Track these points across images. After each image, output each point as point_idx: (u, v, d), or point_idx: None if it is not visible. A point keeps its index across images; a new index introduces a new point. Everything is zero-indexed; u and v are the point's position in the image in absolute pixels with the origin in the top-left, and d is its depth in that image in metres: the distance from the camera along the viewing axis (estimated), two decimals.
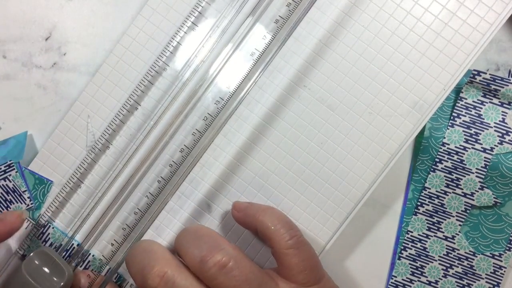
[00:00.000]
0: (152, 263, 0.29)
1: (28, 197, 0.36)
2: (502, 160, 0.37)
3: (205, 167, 0.35)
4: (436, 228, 0.38)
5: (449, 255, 0.38)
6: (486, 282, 0.38)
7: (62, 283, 0.33)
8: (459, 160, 0.37)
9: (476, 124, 0.37)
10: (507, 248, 0.38)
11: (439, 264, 0.38)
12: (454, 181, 0.37)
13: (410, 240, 0.38)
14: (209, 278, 0.28)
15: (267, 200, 0.35)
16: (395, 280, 0.38)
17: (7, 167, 0.35)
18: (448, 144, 0.37)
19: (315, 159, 0.34)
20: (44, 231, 0.36)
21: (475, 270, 0.38)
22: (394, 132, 0.34)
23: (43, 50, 0.37)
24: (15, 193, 0.36)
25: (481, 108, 0.37)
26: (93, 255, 0.36)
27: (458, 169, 0.37)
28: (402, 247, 0.38)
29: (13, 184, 0.36)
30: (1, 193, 0.36)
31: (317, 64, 0.34)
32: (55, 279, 0.33)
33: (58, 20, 0.37)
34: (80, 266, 0.36)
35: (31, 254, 0.34)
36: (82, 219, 0.35)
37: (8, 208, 0.36)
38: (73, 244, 0.36)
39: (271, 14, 0.34)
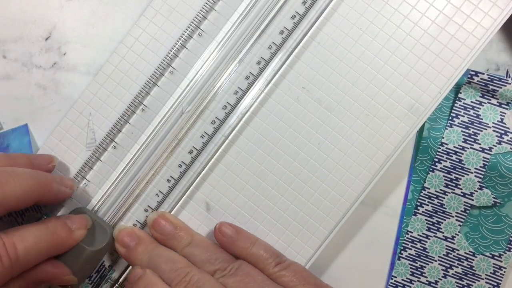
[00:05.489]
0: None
1: None
2: (500, 160, 0.39)
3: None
4: (436, 228, 0.40)
5: (449, 255, 0.40)
6: (486, 282, 0.40)
7: (105, 242, 0.35)
8: (458, 160, 0.39)
9: (475, 124, 0.39)
10: (507, 248, 0.40)
11: (439, 264, 0.40)
12: (453, 181, 0.40)
13: (410, 241, 0.40)
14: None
15: (264, 199, 0.37)
16: (395, 281, 0.41)
17: None
18: (447, 144, 0.40)
19: (312, 159, 0.37)
20: None
21: (475, 270, 0.40)
22: (390, 134, 0.37)
23: (43, 50, 0.39)
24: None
25: (480, 108, 0.39)
26: None
27: (457, 169, 0.40)
28: (402, 247, 0.40)
29: None
30: None
31: (315, 66, 0.37)
32: (98, 237, 0.35)
33: (58, 20, 0.39)
34: None
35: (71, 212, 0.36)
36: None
37: (23, 216, 0.38)
38: None
39: (277, 22, 0.37)
